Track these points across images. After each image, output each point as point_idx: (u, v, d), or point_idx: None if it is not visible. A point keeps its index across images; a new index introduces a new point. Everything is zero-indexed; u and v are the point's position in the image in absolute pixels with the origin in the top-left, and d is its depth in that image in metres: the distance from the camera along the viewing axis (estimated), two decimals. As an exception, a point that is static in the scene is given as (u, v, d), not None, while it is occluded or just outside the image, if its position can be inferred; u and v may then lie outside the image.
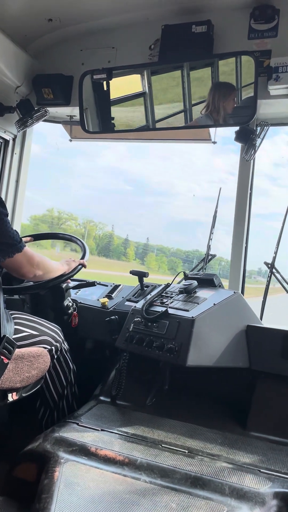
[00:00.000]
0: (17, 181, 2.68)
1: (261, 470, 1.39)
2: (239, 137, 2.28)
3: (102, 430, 1.55)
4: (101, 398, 1.88)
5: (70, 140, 2.79)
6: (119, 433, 1.55)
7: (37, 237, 2.21)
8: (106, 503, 1.15)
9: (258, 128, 2.33)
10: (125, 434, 1.55)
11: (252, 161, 2.35)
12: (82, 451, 1.39)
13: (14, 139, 2.67)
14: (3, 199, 2.00)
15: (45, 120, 2.63)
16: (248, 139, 2.27)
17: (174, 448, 1.48)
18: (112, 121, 2.61)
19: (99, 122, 2.57)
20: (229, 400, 1.88)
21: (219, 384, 1.92)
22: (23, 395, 1.67)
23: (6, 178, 2.61)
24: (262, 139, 2.27)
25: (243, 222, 2.29)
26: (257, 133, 2.29)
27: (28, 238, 2.18)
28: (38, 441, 1.43)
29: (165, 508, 1.15)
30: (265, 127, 2.28)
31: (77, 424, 1.57)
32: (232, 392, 1.91)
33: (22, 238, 1.65)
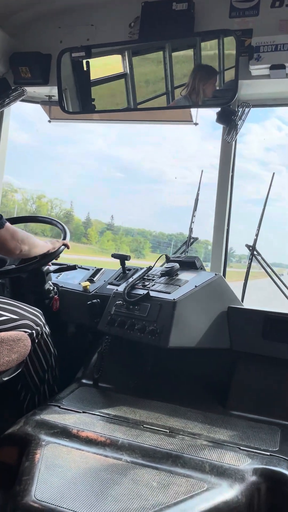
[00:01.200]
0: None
1: (241, 448, 1.41)
2: (221, 118, 2.26)
3: (83, 412, 1.56)
4: (83, 381, 1.88)
5: (49, 121, 2.73)
6: (101, 415, 1.56)
7: (14, 220, 2.17)
8: (87, 483, 1.15)
9: (240, 110, 2.31)
10: (107, 416, 1.55)
11: (233, 142, 2.34)
12: (64, 433, 1.39)
13: (-10, 120, 2.60)
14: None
15: (22, 100, 2.57)
16: (229, 120, 2.25)
17: (155, 428, 1.49)
18: (93, 102, 2.56)
19: (79, 102, 2.52)
20: (210, 380, 1.91)
21: (200, 365, 1.94)
22: (4, 379, 1.65)
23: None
24: (244, 121, 2.25)
25: (224, 203, 2.29)
26: (239, 114, 2.27)
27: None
28: (19, 425, 1.42)
29: (146, 486, 1.16)
30: (246, 108, 2.27)
31: (59, 407, 1.57)
32: (213, 372, 1.93)
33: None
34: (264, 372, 1.82)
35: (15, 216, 2.20)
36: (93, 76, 2.52)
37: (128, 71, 2.49)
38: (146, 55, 2.50)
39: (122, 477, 1.20)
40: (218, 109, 2.31)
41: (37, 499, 1.06)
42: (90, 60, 2.48)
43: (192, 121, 2.49)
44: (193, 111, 2.52)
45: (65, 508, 1.04)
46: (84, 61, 2.47)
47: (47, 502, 1.05)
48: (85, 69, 2.50)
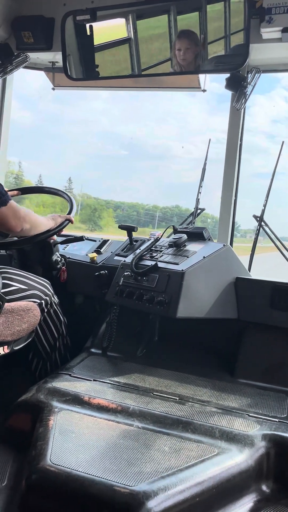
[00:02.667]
0: (-1, 123, 2.57)
1: (250, 414, 1.44)
2: (230, 84, 2.20)
3: (94, 380, 1.58)
4: (92, 350, 1.90)
5: (53, 89, 2.66)
6: (111, 382, 1.58)
7: (24, 191, 2.14)
8: (101, 448, 1.18)
9: (249, 75, 2.24)
10: (117, 384, 1.58)
11: (242, 110, 2.28)
12: (76, 400, 1.41)
13: (-7, 88, 2.53)
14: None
15: (25, 67, 2.49)
16: (239, 86, 2.19)
17: (165, 395, 1.52)
18: (97, 69, 2.49)
19: (83, 69, 2.45)
20: (217, 350, 1.93)
21: (208, 335, 1.96)
22: (15, 348, 1.67)
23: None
24: (254, 87, 2.19)
25: (232, 173, 2.25)
26: (248, 80, 2.20)
27: (15, 192, 2.11)
28: (32, 392, 1.45)
29: (158, 451, 1.19)
30: (257, 74, 2.20)
31: (70, 375, 1.60)
32: (221, 342, 1.95)
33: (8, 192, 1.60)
34: (272, 341, 1.84)
35: (22, 186, 2.17)
36: (97, 41, 2.43)
37: (132, 36, 2.41)
38: (150, 19, 2.41)
39: (134, 442, 1.22)
40: (227, 75, 2.25)
41: (53, 463, 1.09)
42: (94, 25, 2.40)
43: (200, 87, 2.42)
44: (201, 77, 2.44)
45: (81, 472, 1.07)
46: (88, 25, 2.38)
47: (63, 466, 1.08)
48: (88, 33, 2.42)
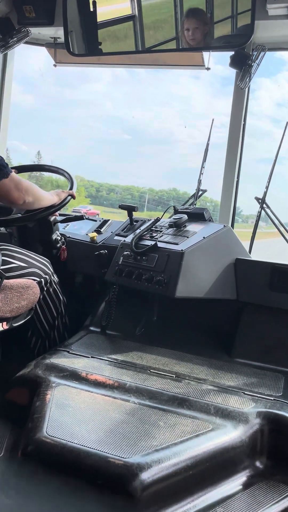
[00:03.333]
0: (0, 103, 2.54)
1: (245, 392, 1.45)
2: (234, 62, 2.16)
3: (92, 357, 1.60)
4: (91, 328, 1.92)
5: (55, 65, 2.62)
6: (109, 359, 1.59)
7: (21, 169, 2.13)
8: (97, 421, 1.20)
9: (255, 53, 2.20)
10: (115, 361, 1.59)
11: (246, 89, 2.25)
12: (73, 376, 1.43)
13: (-6, 63, 2.49)
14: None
15: (27, 42, 2.45)
16: (243, 64, 2.15)
17: (162, 373, 1.53)
18: (99, 46, 2.44)
19: (85, 45, 2.41)
20: (216, 330, 1.94)
21: (206, 315, 1.96)
22: (14, 325, 1.69)
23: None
24: (258, 65, 2.15)
25: (235, 153, 2.23)
26: (253, 58, 2.16)
27: (13, 171, 2.10)
28: (30, 368, 1.46)
29: (153, 426, 1.21)
30: (262, 52, 2.16)
31: (68, 352, 1.61)
32: (219, 322, 1.96)
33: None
34: (270, 322, 1.84)
35: (22, 164, 2.16)
36: (100, 18, 2.39)
37: (137, 13, 2.36)
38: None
39: (130, 417, 1.24)
40: (231, 53, 2.20)
41: (49, 435, 1.11)
42: (97, 1, 2.35)
43: (204, 65, 2.38)
44: (205, 55, 2.40)
45: (76, 444, 1.08)
46: (91, 1, 2.34)
47: (59, 438, 1.10)
48: (91, 9, 2.37)
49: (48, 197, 1.85)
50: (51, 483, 1.05)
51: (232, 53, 2.21)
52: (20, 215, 1.95)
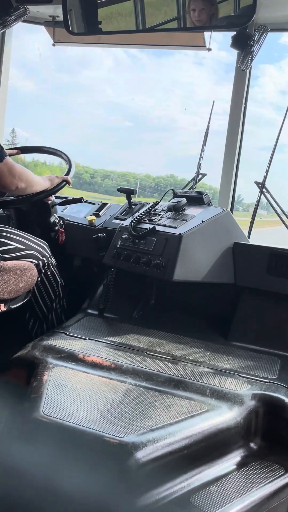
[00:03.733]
0: (-3, 88, 2.50)
1: (241, 375, 1.46)
2: (236, 43, 2.13)
3: (89, 339, 1.60)
4: (89, 311, 1.92)
5: (53, 45, 2.57)
6: (106, 342, 1.60)
7: (23, 150, 2.11)
8: (93, 402, 1.21)
9: (256, 34, 2.16)
10: (112, 343, 1.60)
11: (248, 71, 2.22)
12: (70, 357, 1.43)
13: (-9, 42, 2.45)
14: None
15: (25, 21, 2.40)
16: (245, 45, 2.11)
17: (158, 355, 1.54)
18: (99, 26, 2.40)
19: (85, 24, 2.36)
20: (213, 313, 1.94)
21: (203, 299, 1.97)
22: (12, 307, 1.69)
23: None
24: (260, 46, 2.11)
25: (236, 136, 2.20)
26: (255, 38, 2.13)
27: (15, 151, 2.08)
28: (27, 349, 1.47)
29: (149, 406, 1.22)
30: (264, 32, 2.12)
31: (65, 334, 1.62)
32: (216, 306, 1.96)
33: (5, 149, 1.57)
34: (267, 306, 1.85)
35: (18, 146, 2.13)
36: (100, -4, 2.34)
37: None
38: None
39: (126, 397, 1.25)
40: (233, 33, 2.16)
41: (45, 414, 1.12)
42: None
43: (205, 46, 2.33)
44: (207, 36, 2.35)
45: (72, 423, 1.09)
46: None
47: (55, 417, 1.11)
48: (91, -13, 2.31)
49: (40, 182, 1.82)
50: (48, 461, 1.07)
51: (233, 33, 2.17)
52: (12, 197, 1.94)
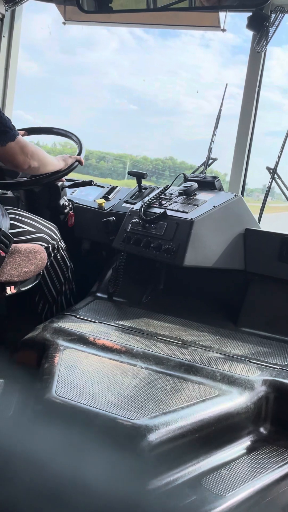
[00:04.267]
0: (6, 69, 2.46)
1: (251, 361, 1.46)
2: (251, 24, 2.07)
3: (99, 322, 1.60)
4: (98, 294, 1.92)
5: (64, 23, 2.52)
6: (116, 325, 1.60)
7: (31, 131, 2.08)
8: (104, 384, 1.21)
9: (273, 15, 2.10)
10: (122, 327, 1.60)
11: (263, 53, 2.17)
12: (81, 340, 1.44)
13: (1, 19, 2.40)
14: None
15: (35, -2, 2.35)
16: (260, 27, 2.06)
17: (168, 339, 1.54)
18: (110, 4, 2.34)
19: (96, 2, 2.31)
20: (223, 299, 1.94)
21: (213, 285, 1.96)
22: (21, 289, 1.69)
23: (-6, 65, 2.39)
24: (277, 27, 2.06)
25: (248, 120, 2.17)
26: (271, 20, 2.07)
27: (22, 132, 2.05)
28: (38, 331, 1.47)
29: (160, 390, 1.22)
30: (281, 14, 2.06)
31: (75, 316, 1.62)
32: (226, 292, 1.95)
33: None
34: (277, 293, 1.84)
35: (29, 127, 2.11)
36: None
37: None
38: None
39: (137, 381, 1.25)
40: (248, 14, 2.11)
41: (58, 396, 1.12)
42: None
43: (220, 26, 2.28)
44: (221, 15, 2.30)
45: (84, 404, 1.10)
46: None
47: (68, 399, 1.11)
48: None
49: (54, 162, 1.81)
50: (60, 442, 1.07)
51: (248, 14, 2.12)
52: (25, 179, 1.92)
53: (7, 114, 2.44)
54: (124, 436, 1.03)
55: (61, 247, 1.89)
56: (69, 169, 1.90)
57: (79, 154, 2.00)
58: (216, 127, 2.42)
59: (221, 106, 2.36)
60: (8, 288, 1.62)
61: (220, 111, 2.37)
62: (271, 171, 2.33)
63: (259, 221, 2.19)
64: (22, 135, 2.06)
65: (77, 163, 1.94)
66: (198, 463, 1.11)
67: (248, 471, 1.15)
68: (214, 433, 1.16)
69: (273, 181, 2.35)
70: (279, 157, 2.31)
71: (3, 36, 2.39)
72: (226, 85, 2.31)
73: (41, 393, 1.15)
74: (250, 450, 1.22)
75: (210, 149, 2.47)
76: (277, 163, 2.29)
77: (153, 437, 1.03)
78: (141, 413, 1.09)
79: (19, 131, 1.98)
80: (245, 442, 1.23)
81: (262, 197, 2.38)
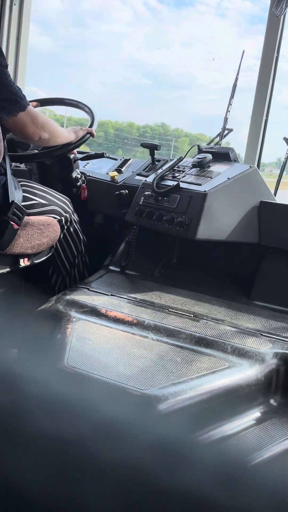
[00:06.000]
0: (18, 39, 2.41)
1: (263, 334, 1.46)
2: (270, -15, 1.97)
3: (111, 295, 1.61)
4: (111, 268, 1.93)
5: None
6: (128, 298, 1.61)
7: (43, 102, 2.05)
8: (116, 354, 1.23)
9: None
10: (134, 299, 1.61)
11: (282, 17, 2.07)
12: (93, 312, 1.45)
13: (11, -13, 2.34)
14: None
15: None
16: (280, -13, 1.95)
17: (180, 312, 1.55)
18: None
19: None
20: (235, 273, 1.92)
21: (226, 258, 1.95)
22: (35, 262, 1.70)
23: (5, 35, 2.34)
24: (298, -12, 1.95)
25: (266, 88, 2.09)
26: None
27: (35, 103, 2.02)
28: (51, 303, 1.49)
29: (170, 361, 1.23)
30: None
31: (88, 289, 1.63)
32: (239, 266, 1.94)
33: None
34: (291, 267, 1.81)
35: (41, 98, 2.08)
36: None
37: None
38: None
39: (148, 352, 1.27)
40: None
41: (70, 365, 1.14)
42: None
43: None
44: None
45: (96, 374, 1.12)
46: None
47: (79, 368, 1.13)
48: None
49: (65, 134, 1.78)
50: (71, 410, 1.10)
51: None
52: (37, 151, 1.91)
53: (19, 84, 2.41)
54: (133, 405, 1.05)
55: (74, 220, 1.89)
56: (81, 141, 1.87)
57: (91, 125, 1.97)
58: (232, 96, 2.34)
59: (238, 74, 2.28)
60: (21, 260, 1.63)
61: (236, 79, 2.29)
62: (288, 141, 2.26)
63: (275, 194, 2.14)
64: (35, 107, 2.04)
65: (88, 135, 1.90)
66: (207, 433, 1.12)
67: (258, 441, 1.16)
68: (223, 404, 1.17)
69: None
70: (297, 127, 2.24)
71: (14, 5, 2.33)
72: (243, 51, 2.22)
73: (53, 362, 1.17)
74: (259, 421, 1.23)
75: (225, 119, 2.40)
76: (294, 133, 2.22)
77: (162, 406, 1.05)
78: (151, 383, 1.10)
79: (31, 102, 1.96)
80: (254, 413, 1.24)
81: (275, 173, 2.32)
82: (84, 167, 2.30)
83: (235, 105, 2.33)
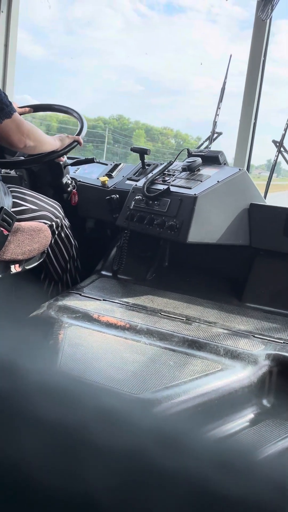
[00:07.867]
0: (6, 45, 2.41)
1: (255, 336, 1.46)
2: (256, -10, 1.99)
3: (104, 300, 1.61)
4: (103, 272, 1.93)
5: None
6: (120, 302, 1.61)
7: (35, 108, 2.05)
8: (108, 359, 1.22)
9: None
10: (126, 304, 1.61)
11: (268, 21, 2.09)
12: (85, 317, 1.45)
13: (-1, -6, 2.34)
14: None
15: None
16: (266, -8, 1.98)
17: (172, 316, 1.55)
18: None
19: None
20: (227, 275, 1.93)
21: (218, 261, 1.95)
22: (26, 267, 1.70)
23: (-7, 41, 2.35)
24: (282, -7, 1.98)
25: (253, 92, 2.11)
26: (277, -15, 1.99)
27: (27, 109, 2.01)
28: (43, 309, 1.49)
29: (163, 365, 1.23)
30: (287, -22, 1.98)
31: (80, 294, 1.63)
32: (231, 268, 1.95)
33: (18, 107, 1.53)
34: (282, 268, 1.83)
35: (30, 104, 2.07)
36: None
37: None
38: None
39: (141, 356, 1.26)
40: None
41: (62, 371, 1.14)
42: None
43: (223, -6, 2.19)
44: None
45: (88, 379, 1.11)
46: None
47: (72, 374, 1.13)
48: None
49: (50, 142, 1.76)
50: (64, 415, 1.09)
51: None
52: (23, 158, 1.90)
53: (7, 91, 2.41)
54: (126, 410, 1.05)
55: (65, 225, 1.89)
56: (66, 149, 1.85)
57: (79, 132, 1.95)
58: (220, 100, 2.36)
59: (226, 78, 2.31)
60: (12, 267, 1.63)
61: (224, 83, 2.31)
62: (277, 144, 2.28)
63: (265, 196, 2.16)
64: (28, 112, 2.04)
65: (75, 143, 1.89)
66: (201, 435, 1.12)
67: (252, 443, 1.16)
68: (217, 407, 1.17)
69: (279, 155, 2.30)
70: (285, 130, 2.26)
71: (1, 12, 2.33)
72: (230, 56, 2.25)
73: (45, 369, 1.16)
74: (253, 422, 1.23)
75: (215, 123, 2.42)
76: (283, 135, 2.24)
77: (156, 410, 1.05)
78: (144, 387, 1.10)
79: (23, 108, 1.96)
80: (248, 415, 1.24)
81: (264, 175, 2.34)
82: (75, 172, 2.30)
83: (227, 110, 2.36)
